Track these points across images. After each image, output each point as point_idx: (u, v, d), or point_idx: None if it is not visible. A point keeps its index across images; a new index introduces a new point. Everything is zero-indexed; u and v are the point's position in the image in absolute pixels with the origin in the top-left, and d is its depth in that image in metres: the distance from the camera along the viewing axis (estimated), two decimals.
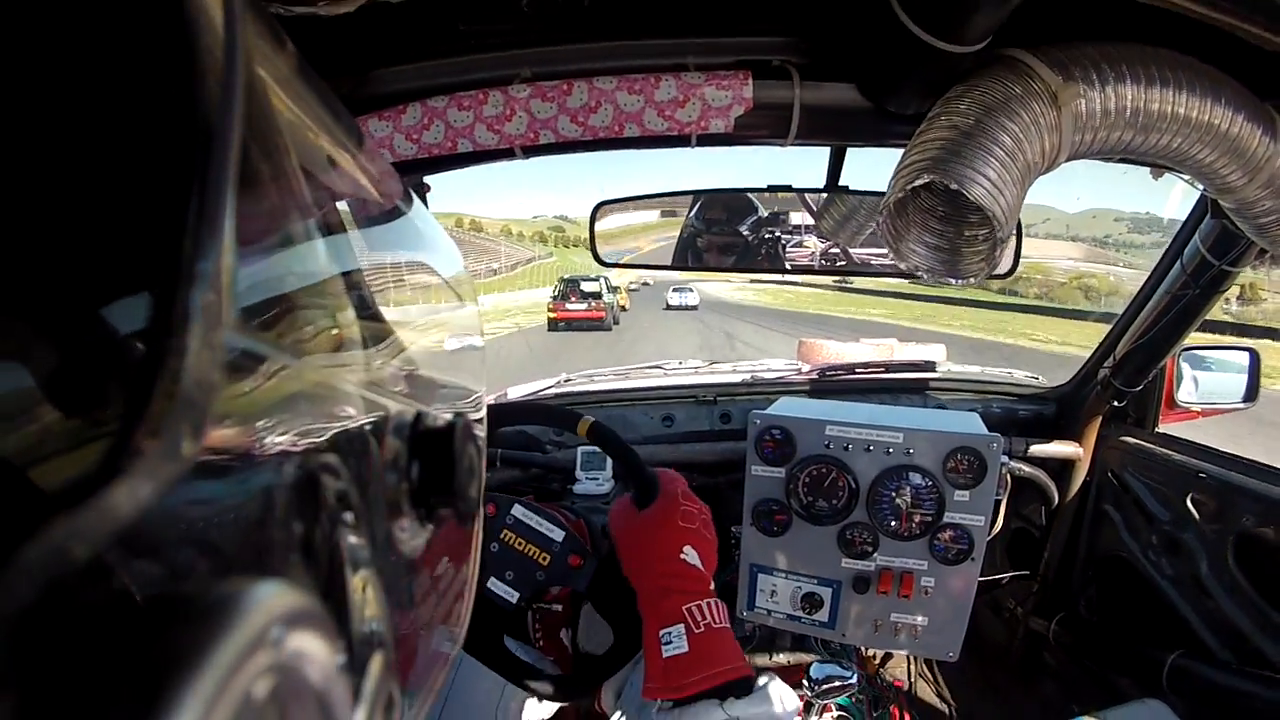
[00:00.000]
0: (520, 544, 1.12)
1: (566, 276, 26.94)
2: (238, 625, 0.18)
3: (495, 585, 1.10)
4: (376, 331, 0.36)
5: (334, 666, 0.23)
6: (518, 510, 1.12)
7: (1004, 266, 0.89)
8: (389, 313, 0.39)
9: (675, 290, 37.61)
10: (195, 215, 0.20)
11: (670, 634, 0.86)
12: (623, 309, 29.67)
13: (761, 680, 0.84)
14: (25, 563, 0.15)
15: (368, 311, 0.35)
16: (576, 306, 23.93)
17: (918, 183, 0.80)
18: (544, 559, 1.11)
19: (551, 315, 24.47)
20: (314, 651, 0.21)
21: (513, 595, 1.09)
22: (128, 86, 0.21)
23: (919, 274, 0.91)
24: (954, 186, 0.78)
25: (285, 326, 0.26)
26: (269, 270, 0.25)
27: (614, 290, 27.00)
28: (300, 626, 0.21)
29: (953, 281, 0.89)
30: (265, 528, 0.23)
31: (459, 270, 0.55)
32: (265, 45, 0.28)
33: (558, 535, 1.11)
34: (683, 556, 0.92)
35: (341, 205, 0.36)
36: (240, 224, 0.21)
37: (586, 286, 24.80)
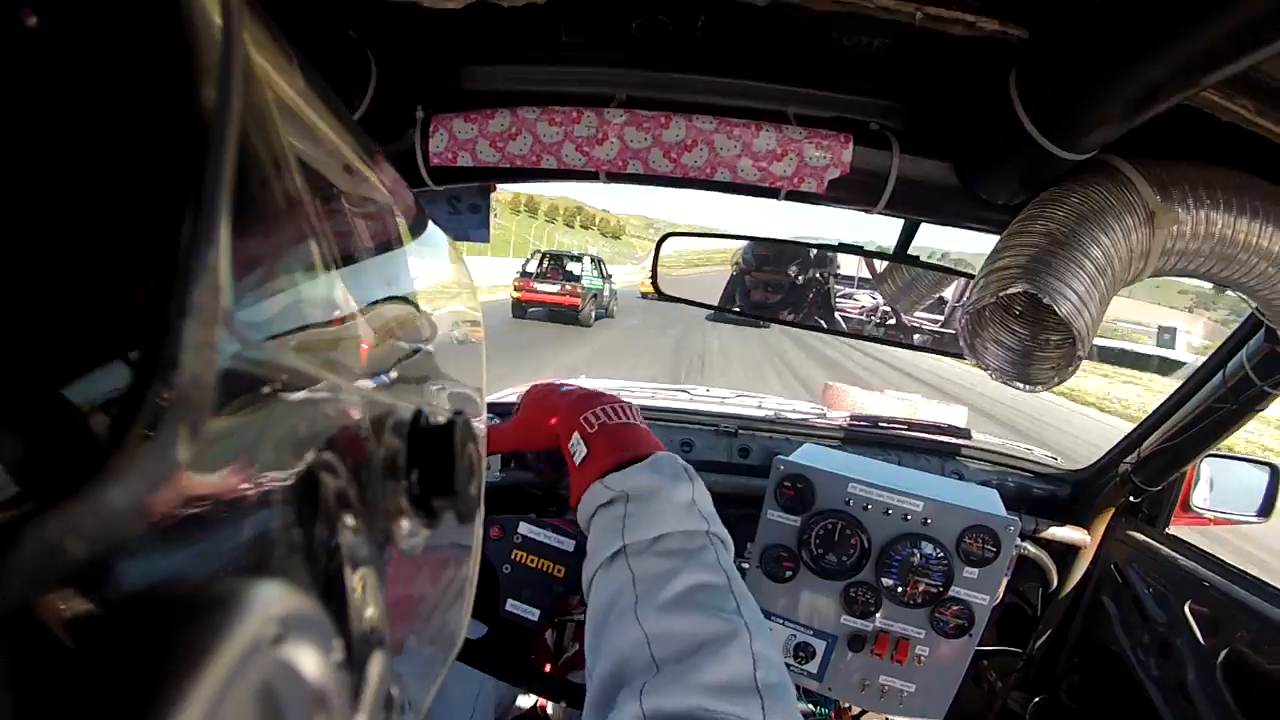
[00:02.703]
0: (533, 560, 1.13)
1: (546, 249, 22.01)
2: (236, 626, 0.18)
3: (515, 606, 1.10)
4: (376, 330, 0.36)
5: (333, 667, 0.23)
6: (524, 528, 1.12)
7: (1070, 376, 0.89)
8: (389, 311, 0.39)
9: None
10: (191, 212, 0.20)
11: (572, 446, 0.84)
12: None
13: (664, 454, 0.80)
14: (19, 562, 0.15)
15: (367, 310, 0.35)
16: (547, 288, 18.83)
17: (1009, 291, 0.79)
18: (559, 571, 1.11)
19: (516, 295, 19.46)
20: (313, 652, 0.21)
21: (533, 613, 1.09)
22: (124, 84, 0.21)
23: (988, 372, 0.90)
24: (1045, 300, 0.77)
25: (283, 324, 0.26)
26: (267, 269, 0.25)
27: (607, 278, 22.08)
28: (299, 627, 0.21)
29: (1021, 386, 0.88)
30: (263, 528, 0.23)
31: (461, 270, 0.55)
32: (263, 41, 0.28)
33: (568, 545, 1.11)
34: (563, 386, 0.91)
35: (341, 204, 0.36)
36: (237, 222, 0.21)
37: (570, 266, 19.78)
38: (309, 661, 0.21)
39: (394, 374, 0.37)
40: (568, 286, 18.85)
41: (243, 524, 0.22)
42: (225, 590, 0.19)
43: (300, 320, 0.27)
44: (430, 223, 0.52)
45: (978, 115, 0.91)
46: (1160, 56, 0.69)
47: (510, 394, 2.12)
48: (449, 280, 0.53)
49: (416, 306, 0.44)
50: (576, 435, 0.84)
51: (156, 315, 0.19)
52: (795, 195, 0.98)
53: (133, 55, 0.21)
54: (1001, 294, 0.80)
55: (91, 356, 0.19)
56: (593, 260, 20.67)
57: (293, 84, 0.31)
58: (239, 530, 0.22)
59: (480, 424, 0.48)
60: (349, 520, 0.28)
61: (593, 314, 19.87)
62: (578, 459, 0.83)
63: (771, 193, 0.98)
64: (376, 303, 0.37)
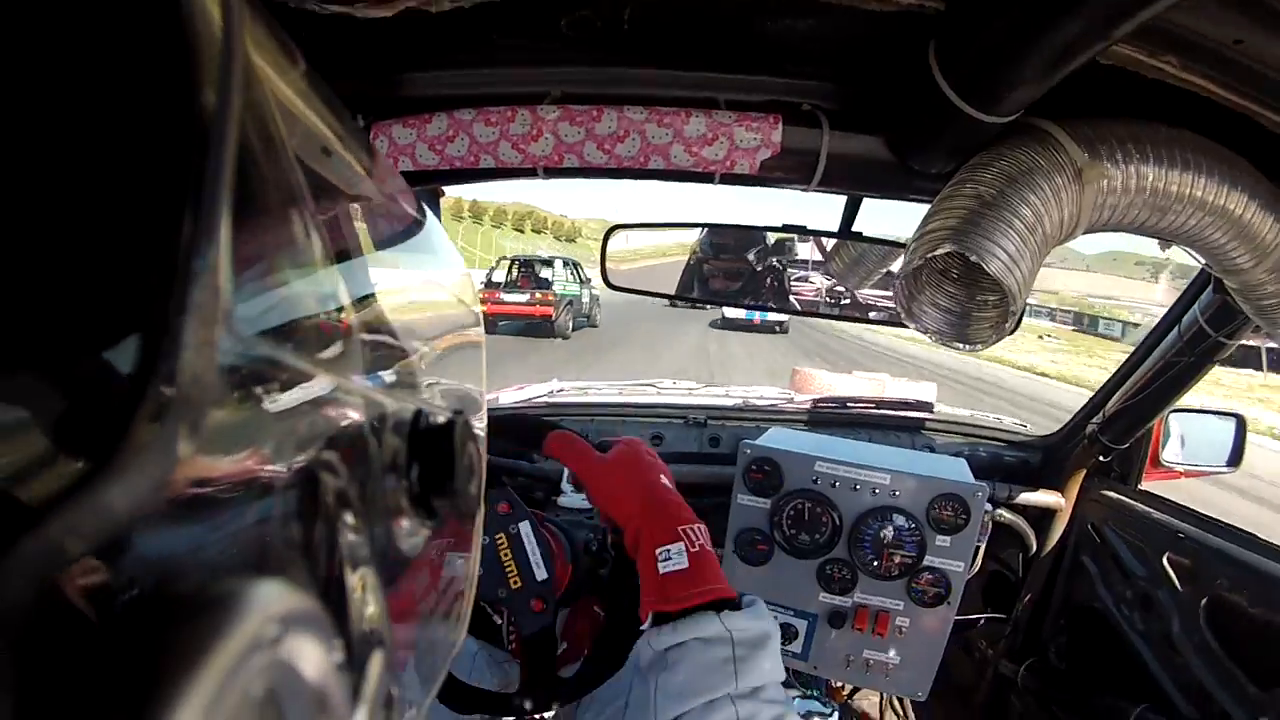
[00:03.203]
0: (505, 555, 1.12)
1: (514, 255, 19.37)
2: (235, 625, 0.18)
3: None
4: (376, 329, 0.36)
5: (333, 666, 0.23)
6: (525, 527, 1.11)
7: (1008, 333, 0.90)
8: (389, 310, 0.38)
9: None
10: (191, 211, 0.20)
11: (669, 551, 0.86)
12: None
13: (749, 598, 0.84)
14: (20, 561, 0.15)
15: (367, 311, 0.35)
16: (515, 299, 16.21)
17: (938, 252, 0.80)
18: (515, 582, 1.10)
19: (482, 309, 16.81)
20: (313, 651, 0.21)
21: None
22: (124, 82, 0.21)
23: (928, 335, 0.92)
24: (974, 259, 0.79)
25: (283, 324, 0.26)
26: (266, 268, 0.25)
27: (585, 283, 18.99)
28: (299, 626, 0.21)
29: (960, 346, 0.89)
30: (263, 526, 0.23)
31: (460, 272, 0.55)
32: (265, 43, 0.28)
33: (540, 574, 1.10)
34: (663, 482, 0.93)
35: (340, 203, 0.36)
36: (237, 221, 0.21)
37: (542, 272, 17.28)
38: (309, 661, 0.21)
39: (394, 373, 0.37)
40: (538, 295, 16.35)
41: (243, 523, 0.22)
42: (225, 589, 0.19)
43: (301, 319, 0.27)
44: (431, 220, 0.52)
45: (903, 89, 0.92)
46: (1070, 12, 0.70)
47: (542, 393, 2.12)
48: (448, 278, 0.53)
49: (417, 305, 0.45)
50: (680, 546, 0.86)
51: (156, 314, 0.19)
52: (730, 178, 0.99)
53: (134, 54, 0.21)
54: (930, 255, 0.81)
55: (91, 355, 0.19)
56: (567, 264, 18.04)
57: (293, 83, 0.31)
58: (239, 529, 0.22)
59: (480, 423, 0.48)
60: (349, 519, 0.28)
61: (570, 323, 17.50)
62: (668, 568, 0.85)
63: (706, 177, 0.99)
64: (376, 301, 0.37)
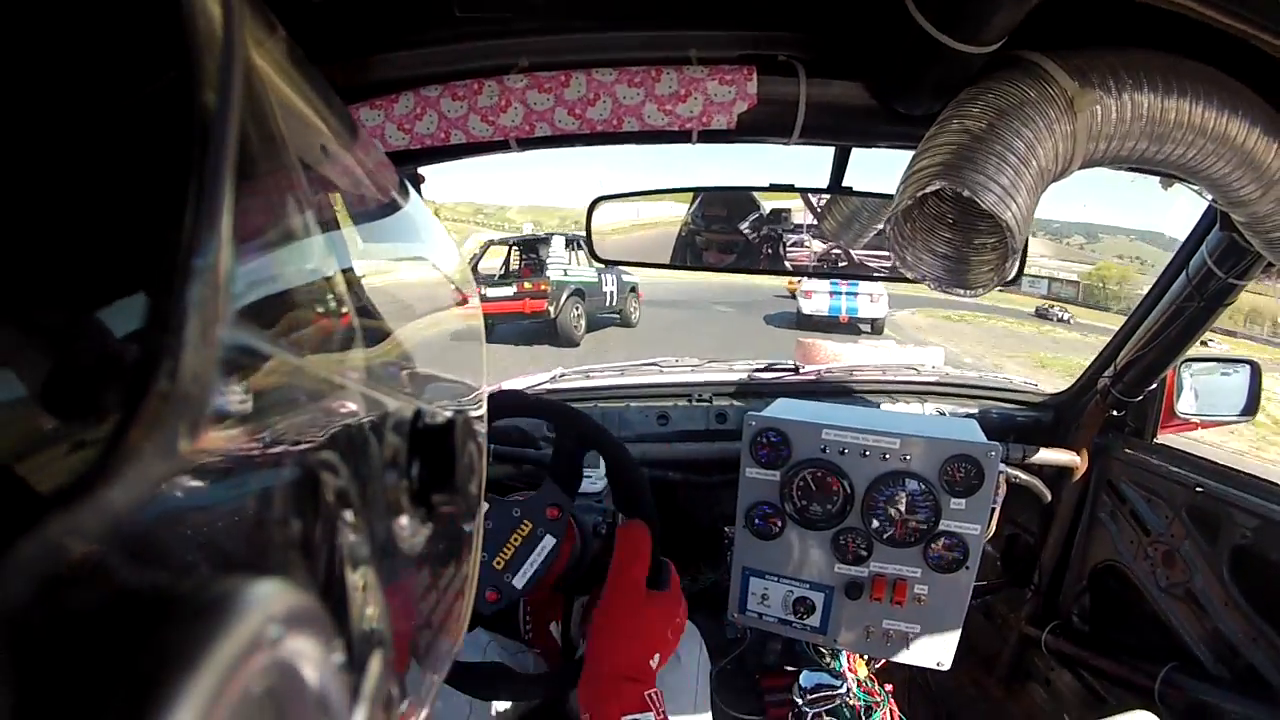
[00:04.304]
0: (515, 540, 1.13)
1: (503, 236, 15.21)
2: (236, 624, 0.18)
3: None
4: (375, 326, 0.36)
5: (333, 665, 0.23)
6: (549, 541, 1.14)
7: (1010, 274, 0.87)
8: (388, 307, 0.39)
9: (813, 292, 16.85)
10: (192, 210, 0.20)
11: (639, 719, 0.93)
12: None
13: None
14: (21, 560, 0.15)
15: (366, 306, 0.35)
16: (499, 293, 11.76)
17: (928, 189, 0.77)
18: (498, 563, 1.13)
19: None
20: (313, 650, 0.21)
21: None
22: (125, 81, 0.21)
23: (925, 283, 0.88)
24: (966, 194, 0.75)
25: (283, 322, 0.26)
26: (267, 266, 0.25)
27: (606, 271, 13.47)
28: (299, 625, 0.21)
29: (961, 292, 0.86)
30: (263, 525, 0.23)
31: (457, 263, 0.55)
32: (262, 36, 0.28)
33: (520, 581, 1.14)
34: (652, 662, 0.98)
35: (338, 199, 0.36)
36: (237, 219, 0.21)
37: (541, 252, 12.59)
38: (310, 660, 0.21)
39: (395, 371, 0.37)
40: (526, 285, 11.86)
41: (243, 521, 0.22)
42: (225, 588, 0.19)
43: (302, 317, 0.28)
44: (425, 211, 0.52)
45: (880, 29, 0.89)
46: None
47: (544, 380, 2.11)
48: (447, 276, 0.53)
49: (417, 304, 0.45)
50: (650, 714, 0.93)
51: (157, 311, 0.19)
52: (708, 135, 0.96)
53: (136, 51, 0.21)
54: (920, 194, 0.78)
55: (92, 352, 0.19)
56: (571, 244, 12.78)
57: (290, 78, 0.31)
58: (239, 527, 0.22)
59: (480, 423, 0.48)
60: (349, 518, 0.28)
61: (581, 322, 12.76)
62: None
63: (683, 136, 0.96)
64: (376, 298, 0.37)
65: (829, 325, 16.19)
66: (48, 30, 0.20)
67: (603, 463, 1.69)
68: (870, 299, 16.32)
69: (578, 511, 1.20)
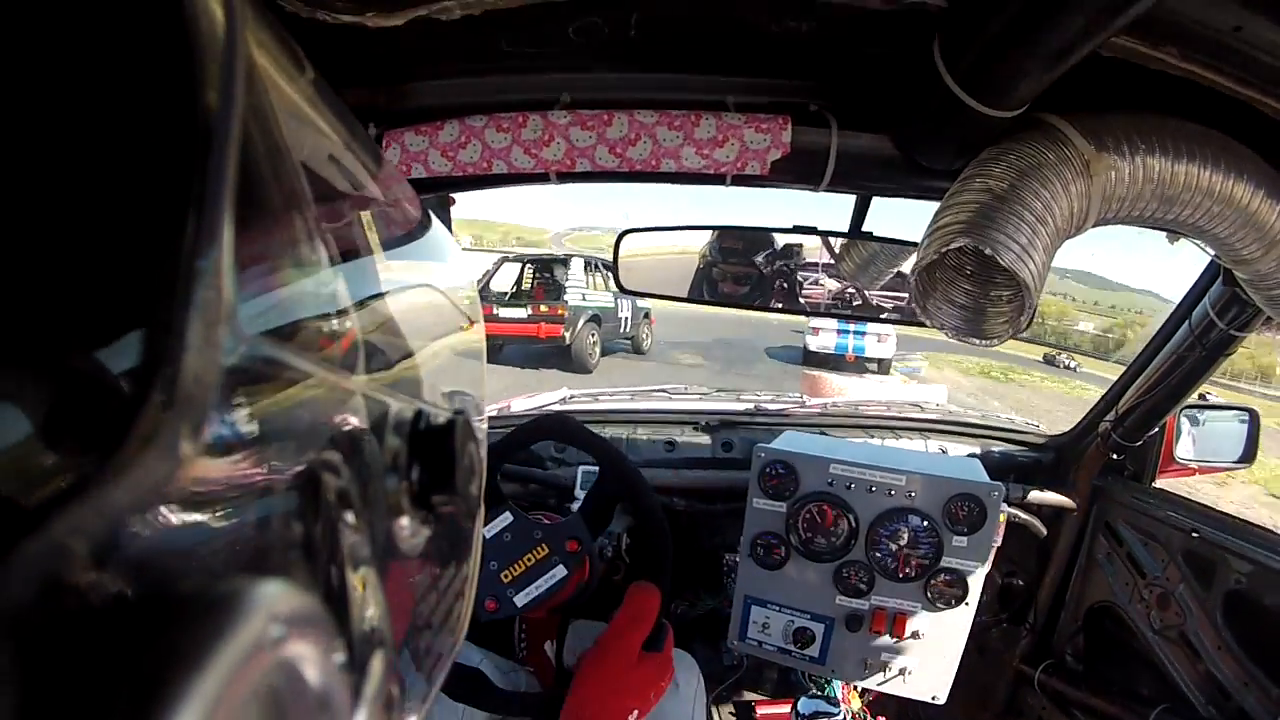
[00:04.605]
0: (528, 559, 1.15)
1: (518, 254, 14.52)
2: (239, 625, 0.18)
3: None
4: (378, 332, 0.36)
5: (335, 666, 0.23)
6: (560, 570, 1.17)
7: (1024, 327, 0.90)
8: (391, 313, 0.39)
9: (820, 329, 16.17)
10: (195, 211, 0.20)
11: None
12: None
13: None
14: (24, 560, 0.15)
15: (369, 312, 0.35)
16: (512, 314, 10.92)
17: (952, 246, 0.81)
18: (506, 576, 1.16)
19: None
20: (315, 651, 0.21)
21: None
22: (128, 84, 0.21)
23: (944, 331, 0.92)
24: (988, 251, 0.79)
25: (285, 325, 0.26)
26: (269, 269, 0.25)
27: (622, 296, 12.51)
28: (301, 626, 0.21)
29: (976, 342, 0.90)
30: (265, 527, 0.23)
31: (462, 277, 0.55)
32: (269, 47, 0.28)
33: (521, 600, 1.15)
34: (630, 718, 1.01)
35: (345, 207, 0.37)
36: (241, 222, 0.21)
37: (558, 273, 11.85)
38: (312, 661, 0.21)
39: (396, 374, 0.37)
40: (542, 307, 11.05)
41: (245, 523, 0.22)
42: (228, 589, 0.19)
43: (303, 320, 0.28)
44: (435, 224, 0.52)
45: (909, 86, 0.93)
46: (1069, 5, 0.71)
47: (553, 400, 2.13)
48: (450, 281, 0.53)
49: (418, 307, 0.45)
50: None
51: (160, 314, 0.19)
52: (741, 180, 1.00)
53: (139, 56, 0.21)
54: (944, 250, 0.82)
55: (95, 355, 0.19)
56: (590, 266, 12.36)
57: (297, 86, 0.31)
58: (241, 529, 0.22)
59: (480, 424, 0.48)
60: (351, 519, 0.29)
61: (596, 348, 12.06)
62: None
63: (718, 179, 1.00)
64: (379, 304, 0.37)
65: (835, 363, 16.01)
66: (48, 30, 0.20)
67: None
68: (878, 339, 16.03)
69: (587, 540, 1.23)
